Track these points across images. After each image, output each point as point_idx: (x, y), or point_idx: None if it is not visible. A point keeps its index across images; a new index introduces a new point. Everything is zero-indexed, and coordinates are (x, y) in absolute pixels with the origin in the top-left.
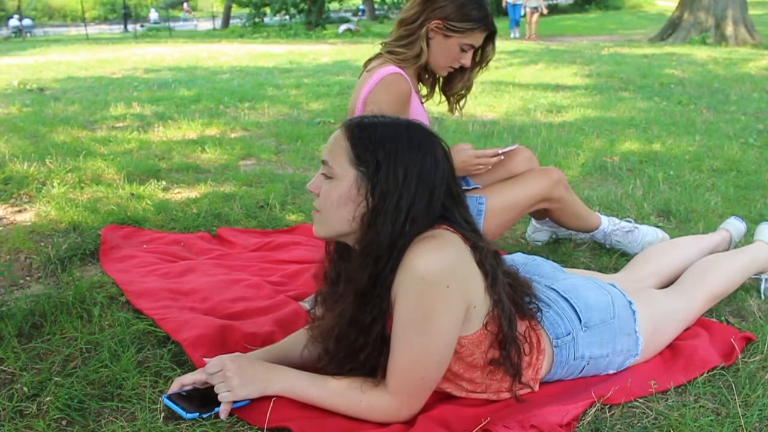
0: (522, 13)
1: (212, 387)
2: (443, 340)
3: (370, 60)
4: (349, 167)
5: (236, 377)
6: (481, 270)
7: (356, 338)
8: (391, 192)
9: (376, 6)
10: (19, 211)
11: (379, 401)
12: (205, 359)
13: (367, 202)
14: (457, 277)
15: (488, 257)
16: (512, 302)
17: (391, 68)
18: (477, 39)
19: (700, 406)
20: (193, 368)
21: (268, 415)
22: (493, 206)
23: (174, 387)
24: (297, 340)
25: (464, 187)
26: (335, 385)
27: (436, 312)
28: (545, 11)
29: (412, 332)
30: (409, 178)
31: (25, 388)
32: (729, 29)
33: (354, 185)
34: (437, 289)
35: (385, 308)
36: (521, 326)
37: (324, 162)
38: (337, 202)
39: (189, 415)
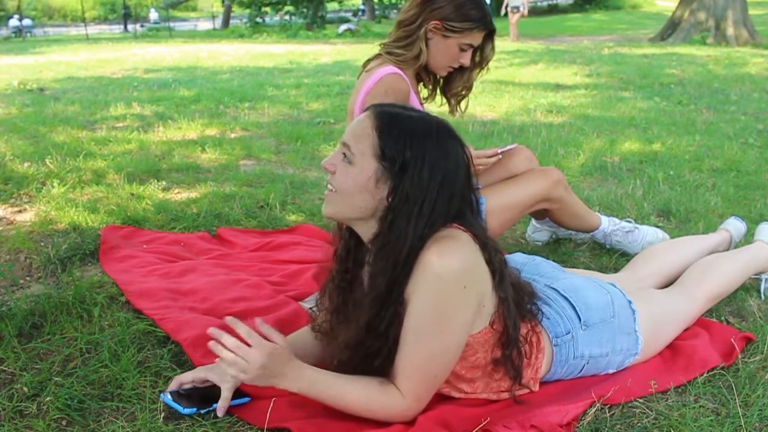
0: (503, 13)
1: (212, 386)
2: (457, 339)
3: (369, 60)
4: (371, 158)
5: (261, 360)
6: (489, 268)
7: (371, 344)
8: (415, 195)
9: (375, 6)
10: (19, 211)
11: (390, 400)
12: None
13: (387, 201)
14: (473, 277)
15: (496, 256)
16: (515, 304)
17: (390, 68)
18: (476, 39)
19: (700, 406)
20: (193, 368)
21: (268, 415)
22: (493, 206)
23: (173, 385)
24: (297, 340)
25: None
26: (349, 384)
27: (453, 311)
28: (526, 13)
29: (428, 331)
30: (433, 180)
31: (25, 388)
32: (729, 29)
33: (373, 178)
34: (455, 288)
35: (400, 312)
36: (523, 329)
37: (345, 144)
38: (351, 188)
39: (186, 411)
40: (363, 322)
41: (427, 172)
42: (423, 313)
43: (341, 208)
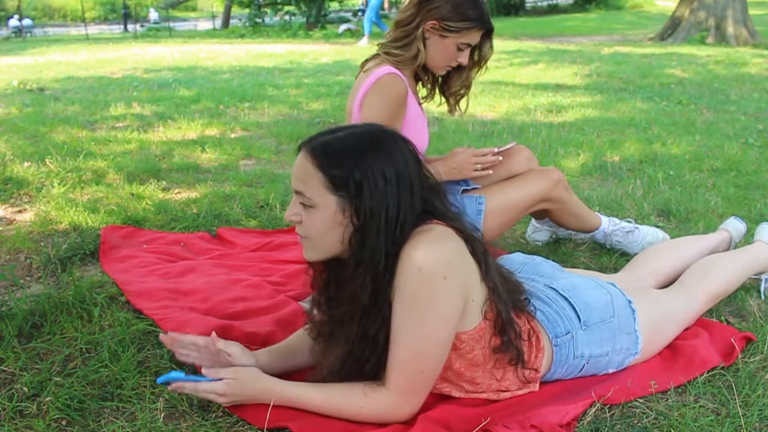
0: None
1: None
2: (441, 333)
3: (367, 60)
4: (327, 194)
5: (229, 392)
6: (474, 259)
7: (363, 352)
8: (378, 206)
9: None
10: (19, 211)
11: (379, 401)
12: (222, 347)
13: (353, 223)
14: (455, 270)
15: (478, 246)
16: (506, 292)
17: (388, 68)
18: (474, 38)
19: (700, 406)
20: (193, 369)
21: (268, 415)
22: (492, 206)
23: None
24: (300, 340)
25: (464, 188)
26: (335, 391)
27: (434, 303)
28: None
29: (411, 324)
30: (390, 185)
31: (25, 388)
32: (729, 29)
33: (338, 210)
34: (435, 280)
35: (387, 315)
36: (519, 322)
37: (298, 192)
38: (323, 229)
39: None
40: (353, 333)
41: (381, 180)
42: (405, 306)
43: (320, 250)
